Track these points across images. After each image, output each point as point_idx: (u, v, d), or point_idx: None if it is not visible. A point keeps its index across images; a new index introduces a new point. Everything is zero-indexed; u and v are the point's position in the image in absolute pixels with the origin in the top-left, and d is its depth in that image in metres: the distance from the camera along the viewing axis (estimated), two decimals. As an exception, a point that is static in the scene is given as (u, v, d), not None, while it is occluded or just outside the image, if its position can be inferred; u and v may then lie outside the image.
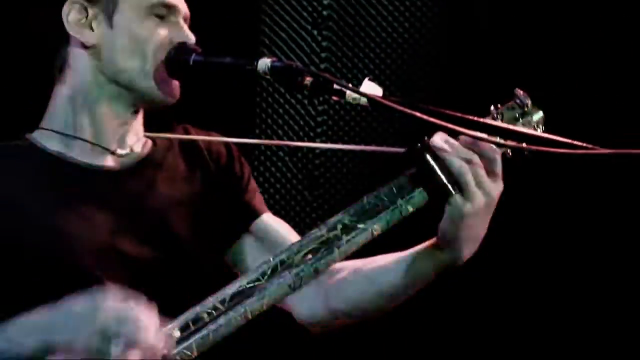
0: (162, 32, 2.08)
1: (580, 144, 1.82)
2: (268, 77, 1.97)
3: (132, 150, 2.13)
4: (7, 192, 2.00)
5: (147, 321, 1.69)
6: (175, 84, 2.11)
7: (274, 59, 1.97)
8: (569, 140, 1.82)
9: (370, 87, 1.92)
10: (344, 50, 3.55)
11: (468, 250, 1.88)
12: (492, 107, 1.97)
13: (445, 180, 1.83)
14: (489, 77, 3.38)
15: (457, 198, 1.82)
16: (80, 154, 2.08)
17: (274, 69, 1.95)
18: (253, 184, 2.24)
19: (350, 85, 1.92)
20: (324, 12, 3.53)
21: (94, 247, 1.99)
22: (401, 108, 1.86)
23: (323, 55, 3.53)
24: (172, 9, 2.10)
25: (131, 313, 1.69)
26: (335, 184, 3.53)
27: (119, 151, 2.11)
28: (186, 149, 2.18)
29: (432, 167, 1.84)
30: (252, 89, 3.50)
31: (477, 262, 1.94)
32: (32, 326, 1.80)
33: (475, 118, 1.87)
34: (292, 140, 3.47)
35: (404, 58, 3.56)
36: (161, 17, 2.09)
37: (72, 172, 2.06)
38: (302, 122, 3.53)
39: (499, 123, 1.92)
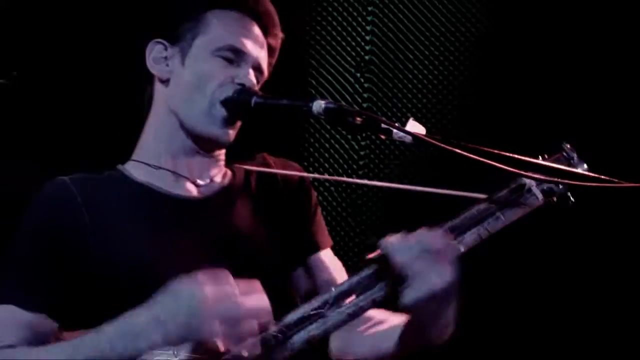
0: (226, 73, 2.10)
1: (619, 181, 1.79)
2: (322, 117, 1.97)
3: (212, 180, 2.15)
4: (102, 218, 2.03)
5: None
6: (228, 128, 2.11)
7: (328, 101, 1.97)
8: (607, 177, 1.80)
9: (415, 127, 1.93)
10: (384, 91, 3.58)
11: (436, 333, 1.86)
12: (539, 158, 1.96)
13: (392, 279, 1.82)
14: (519, 115, 3.41)
15: (404, 290, 1.79)
16: (165, 183, 2.11)
17: (328, 110, 1.95)
18: (319, 215, 2.25)
19: (396, 124, 1.93)
20: (366, 57, 3.58)
21: (177, 267, 1.97)
22: (443, 146, 1.87)
23: (365, 95, 3.58)
24: (240, 53, 2.11)
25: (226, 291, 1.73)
26: (375, 212, 3.56)
27: (199, 181, 2.13)
28: (263, 177, 2.20)
29: (378, 272, 1.83)
30: (301, 126, 3.56)
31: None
32: (120, 332, 1.80)
33: (514, 155, 1.86)
34: (337, 172, 3.50)
35: (438, 98, 3.60)
36: (229, 61, 2.11)
37: (158, 200, 2.09)
38: (346, 156, 3.58)
39: (531, 159, 1.91)
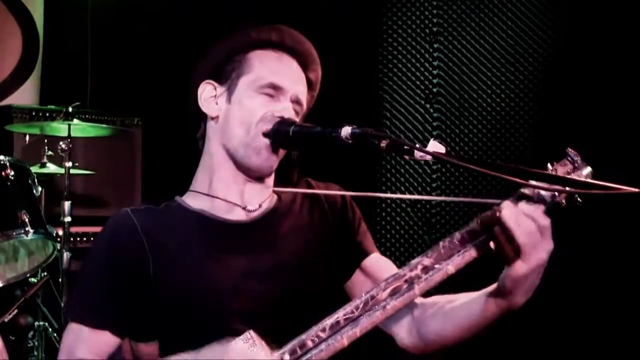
0: (267, 107, 1.90)
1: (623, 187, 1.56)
2: (349, 141, 1.74)
3: (260, 205, 1.94)
4: (159, 244, 1.88)
5: None
6: (270, 158, 1.91)
7: (354, 126, 1.75)
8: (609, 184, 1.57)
9: (435, 146, 1.69)
10: (451, 119, 3.37)
11: (523, 298, 1.69)
12: (548, 164, 1.75)
13: (506, 248, 1.64)
14: (571, 136, 3.05)
15: (517, 262, 1.64)
16: (218, 210, 1.92)
17: (354, 134, 1.73)
18: (364, 226, 2.03)
19: (417, 145, 1.71)
20: (434, 89, 3.37)
21: (230, 286, 1.83)
22: (459, 162, 1.65)
23: (435, 124, 3.37)
24: (279, 89, 1.91)
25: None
26: (448, 229, 3.31)
27: (249, 207, 1.93)
28: (308, 199, 2.00)
29: (498, 237, 1.64)
30: (378, 154, 3.36)
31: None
32: None
33: (526, 168, 1.64)
34: (412, 192, 3.32)
35: (501, 123, 3.34)
36: (270, 96, 1.91)
37: (211, 225, 1.91)
38: (420, 179, 3.35)
39: (548, 172, 1.68)
